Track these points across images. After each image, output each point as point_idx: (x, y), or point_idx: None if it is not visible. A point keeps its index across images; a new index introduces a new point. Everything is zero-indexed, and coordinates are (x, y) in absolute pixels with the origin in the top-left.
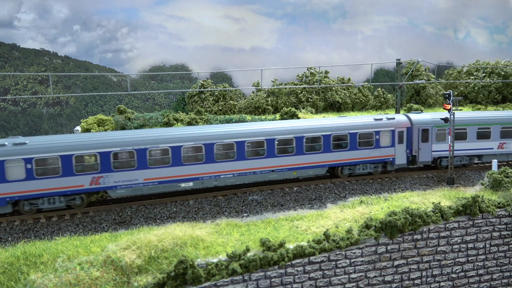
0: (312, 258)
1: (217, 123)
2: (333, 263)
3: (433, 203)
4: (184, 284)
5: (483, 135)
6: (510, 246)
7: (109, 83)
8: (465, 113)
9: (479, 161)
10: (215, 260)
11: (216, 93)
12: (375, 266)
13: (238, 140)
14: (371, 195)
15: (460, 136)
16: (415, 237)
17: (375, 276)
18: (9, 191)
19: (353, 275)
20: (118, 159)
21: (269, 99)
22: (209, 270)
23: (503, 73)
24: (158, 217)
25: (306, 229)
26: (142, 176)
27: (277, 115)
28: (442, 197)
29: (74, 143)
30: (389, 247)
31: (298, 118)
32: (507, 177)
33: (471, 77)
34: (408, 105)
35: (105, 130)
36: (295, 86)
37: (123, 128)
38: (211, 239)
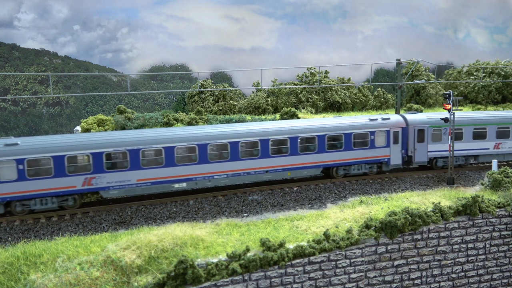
0: (312, 258)
1: (217, 123)
2: (333, 263)
3: (433, 203)
4: (184, 284)
5: (479, 135)
6: (510, 246)
7: (109, 83)
8: (461, 113)
9: (475, 162)
10: (215, 260)
11: (216, 93)
12: (375, 266)
13: (232, 141)
14: (371, 195)
15: (456, 136)
16: (415, 237)
17: (375, 276)
18: (1, 192)
19: (353, 275)
20: (111, 160)
21: (269, 99)
22: (209, 270)
23: (503, 73)
24: (158, 217)
25: (306, 229)
26: (135, 176)
27: (277, 115)
28: (442, 197)
29: (67, 143)
30: (389, 247)
31: (298, 118)
32: (507, 177)
33: (471, 77)
34: (408, 105)
35: (105, 130)
36: (295, 86)
37: (123, 128)
38: (211, 239)
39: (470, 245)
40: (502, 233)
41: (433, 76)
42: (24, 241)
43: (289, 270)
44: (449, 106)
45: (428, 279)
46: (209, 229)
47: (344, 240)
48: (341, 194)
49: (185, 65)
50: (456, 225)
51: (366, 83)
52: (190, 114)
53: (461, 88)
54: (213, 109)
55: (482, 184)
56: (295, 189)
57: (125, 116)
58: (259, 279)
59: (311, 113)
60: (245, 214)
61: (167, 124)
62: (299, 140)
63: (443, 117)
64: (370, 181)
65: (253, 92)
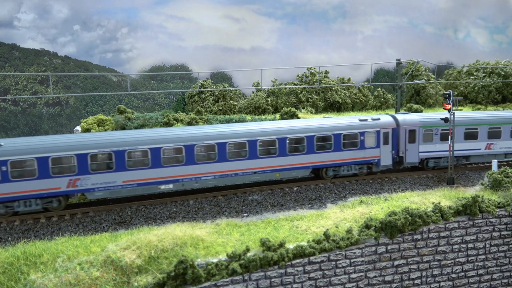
0: (312, 258)
1: (217, 123)
2: (333, 263)
3: (433, 203)
4: (184, 284)
5: (470, 135)
6: (510, 246)
7: (109, 83)
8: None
9: (467, 162)
10: (215, 260)
11: (216, 93)
12: (375, 266)
13: (219, 142)
14: (371, 195)
15: (447, 137)
16: (415, 237)
17: (375, 276)
18: None
19: (353, 275)
20: (96, 161)
21: (269, 99)
22: (209, 270)
23: (503, 73)
24: (158, 217)
25: (306, 229)
26: (121, 178)
27: (277, 115)
28: (442, 197)
29: (51, 144)
30: (389, 247)
31: (298, 118)
32: (507, 177)
33: (471, 77)
34: (408, 105)
35: (105, 130)
36: (295, 86)
37: (123, 128)
38: (211, 239)
39: (470, 245)
40: (502, 233)
41: (433, 76)
42: (24, 241)
43: (289, 270)
44: (449, 106)
45: (428, 279)
46: (209, 229)
47: (344, 240)
48: (341, 194)
49: (185, 65)
50: (456, 225)
51: (366, 83)
52: (190, 114)
53: (461, 88)
54: (213, 109)
55: (482, 184)
56: (295, 189)
57: (125, 116)
58: (259, 279)
59: (311, 113)
60: (245, 214)
61: (167, 124)
62: (287, 141)
63: (443, 117)
64: (370, 181)
65: (253, 92)
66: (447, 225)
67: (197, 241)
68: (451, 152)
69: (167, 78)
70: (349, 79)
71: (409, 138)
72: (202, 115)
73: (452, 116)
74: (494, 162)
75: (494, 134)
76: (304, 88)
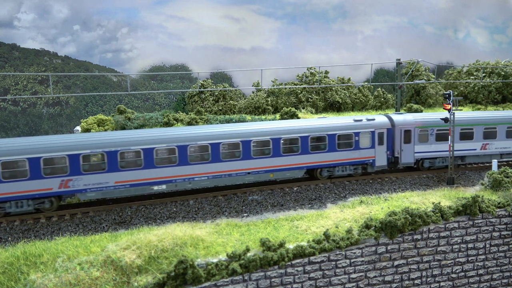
0: (312, 258)
1: (217, 123)
2: (333, 263)
3: (433, 203)
4: (184, 284)
5: (465, 136)
6: (510, 246)
7: (109, 83)
8: (448, 114)
9: (462, 163)
10: (215, 260)
11: (216, 93)
12: (375, 266)
13: (212, 142)
14: (371, 195)
15: (442, 137)
16: (415, 237)
17: (375, 276)
18: None
19: (353, 275)
20: (88, 162)
21: (269, 99)
22: (209, 270)
23: (503, 73)
24: (158, 217)
25: (306, 229)
26: (113, 179)
27: (277, 115)
28: (442, 197)
29: (42, 145)
30: (389, 247)
31: (298, 118)
32: (507, 177)
33: (471, 77)
34: (408, 105)
35: (105, 130)
36: (295, 86)
37: (123, 128)
38: (211, 239)
39: (470, 245)
40: (502, 233)
41: (433, 76)
42: (24, 241)
43: (289, 270)
44: (449, 106)
45: (428, 279)
46: (209, 229)
47: (344, 240)
48: (341, 194)
49: (185, 65)
50: (456, 225)
51: (366, 83)
52: (190, 114)
53: (461, 88)
54: (213, 109)
55: (482, 184)
56: (295, 189)
57: (125, 116)
58: (259, 279)
59: (311, 113)
60: (245, 214)
61: (167, 124)
62: (282, 142)
63: (443, 117)
64: (370, 181)
65: (253, 92)
66: (447, 225)
67: (197, 241)
68: (451, 152)
69: (167, 78)
70: (349, 79)
71: (404, 139)
72: (202, 115)
73: (452, 116)
74: (494, 162)
75: (490, 134)
76: (304, 88)
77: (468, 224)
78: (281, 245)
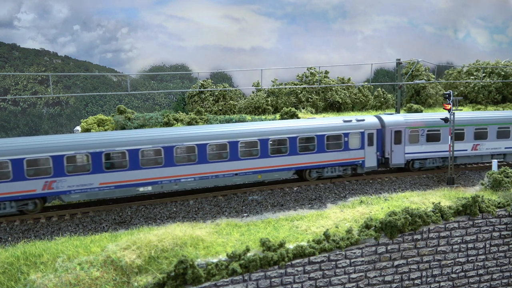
0: (312, 258)
1: (217, 123)
2: (333, 263)
3: (433, 203)
4: (184, 284)
5: (456, 136)
6: (510, 246)
7: (109, 83)
8: (438, 114)
9: (454, 163)
10: (215, 260)
11: (216, 93)
12: (375, 266)
13: (199, 143)
14: (371, 195)
15: (433, 137)
16: (415, 237)
17: (375, 276)
18: None
19: (353, 275)
20: (72, 163)
21: (269, 99)
22: (209, 270)
23: (503, 73)
24: (158, 217)
25: (306, 229)
26: (98, 180)
27: (277, 115)
28: (442, 197)
29: (26, 146)
30: (389, 247)
31: (298, 118)
32: (507, 177)
33: (471, 77)
34: (408, 105)
35: (105, 130)
36: (295, 86)
37: (123, 128)
38: (211, 239)
39: (470, 245)
40: (502, 233)
41: (433, 76)
42: (24, 241)
43: (289, 270)
44: (449, 106)
45: (428, 279)
46: (209, 229)
47: (344, 240)
48: (341, 194)
49: (185, 65)
50: (456, 225)
51: (366, 83)
52: (190, 114)
53: (461, 88)
54: (213, 109)
55: (482, 184)
56: (295, 189)
57: (125, 116)
58: (259, 279)
59: (311, 113)
60: (245, 214)
61: (167, 124)
62: (270, 142)
63: (443, 117)
64: (370, 181)
65: (253, 92)
66: (447, 225)
67: (197, 241)
68: (451, 152)
69: (167, 78)
70: (349, 79)
71: (395, 139)
72: (202, 115)
73: (452, 116)
74: (494, 162)
75: (481, 135)
76: (304, 88)
77: (468, 224)
78: (281, 245)
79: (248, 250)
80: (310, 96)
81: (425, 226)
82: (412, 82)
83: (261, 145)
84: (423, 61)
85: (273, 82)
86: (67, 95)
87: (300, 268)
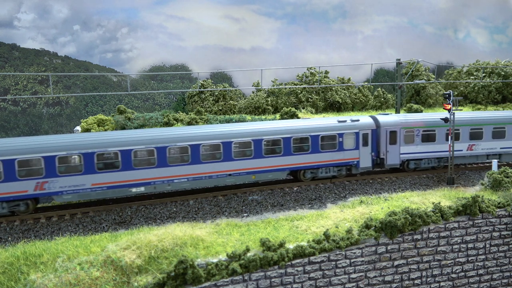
0: (312, 258)
1: (217, 123)
2: (333, 263)
3: (433, 203)
4: (184, 284)
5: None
6: (510, 246)
7: (109, 83)
8: (434, 114)
9: (448, 164)
10: (215, 260)
11: (216, 93)
12: (375, 266)
13: (192, 143)
14: (371, 195)
15: (429, 138)
16: (415, 237)
17: (375, 276)
18: None
19: (353, 275)
20: (64, 164)
21: (269, 99)
22: (209, 270)
23: (503, 73)
24: (158, 217)
25: (306, 229)
26: (90, 181)
27: (277, 115)
28: (442, 197)
29: (17, 147)
30: (389, 247)
31: (298, 118)
32: (507, 177)
33: (471, 77)
34: (408, 105)
35: (105, 130)
36: (295, 86)
37: (123, 128)
38: (211, 239)
39: (470, 245)
40: (502, 233)
41: (433, 76)
42: (24, 241)
43: (289, 270)
44: (449, 106)
45: (428, 279)
46: (209, 229)
47: (344, 240)
48: (341, 194)
49: (185, 65)
50: (456, 225)
51: (366, 83)
52: (190, 114)
53: (461, 88)
54: (213, 109)
55: (482, 184)
56: (295, 189)
57: (125, 116)
58: (259, 279)
59: (311, 113)
60: (245, 214)
61: (167, 124)
62: (263, 143)
63: (442, 117)
64: (370, 181)
65: (253, 92)
66: (447, 225)
67: (197, 241)
68: (451, 152)
69: (167, 78)
70: (349, 79)
71: (390, 140)
72: (202, 115)
73: (452, 116)
74: (494, 162)
75: (476, 135)
76: (304, 88)
77: (468, 224)
78: (281, 245)
79: (248, 250)
80: (310, 96)
81: (425, 226)
82: (412, 82)
83: (255, 146)
84: (423, 61)
85: (273, 82)
86: (67, 95)
87: (300, 268)
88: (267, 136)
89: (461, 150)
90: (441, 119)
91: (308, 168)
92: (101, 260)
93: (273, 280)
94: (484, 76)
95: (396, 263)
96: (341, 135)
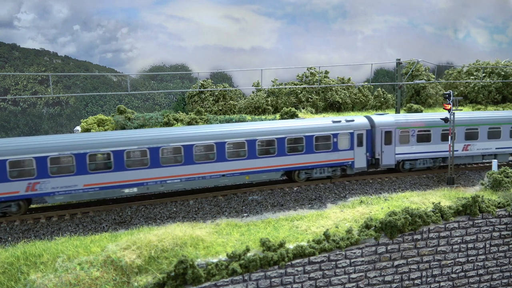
0: (312, 258)
1: (217, 123)
2: (333, 263)
3: (433, 203)
4: (184, 284)
5: (447, 137)
6: (510, 246)
7: (109, 83)
8: (429, 115)
9: (444, 164)
10: (215, 260)
11: (216, 93)
12: (375, 266)
13: (185, 144)
14: (371, 195)
15: (424, 138)
16: (415, 237)
17: (375, 276)
18: None
19: (353, 275)
20: (56, 164)
21: (269, 99)
22: (209, 270)
23: (503, 73)
24: (158, 217)
25: (306, 229)
26: (82, 182)
27: (277, 115)
28: (442, 197)
29: (9, 147)
30: (389, 247)
31: (298, 118)
32: (507, 177)
33: (471, 77)
34: (408, 105)
35: (105, 130)
36: (295, 86)
37: (123, 128)
38: (211, 239)
39: (470, 245)
40: (502, 233)
41: (433, 76)
42: (24, 241)
43: (289, 270)
44: (449, 106)
45: (428, 279)
46: (209, 229)
47: (344, 240)
48: (341, 194)
49: (185, 65)
50: (456, 225)
51: (366, 83)
52: (190, 114)
53: (461, 88)
54: (213, 109)
55: (482, 184)
56: (295, 189)
57: (125, 116)
58: (259, 279)
59: (311, 113)
60: (245, 214)
61: (167, 124)
62: (257, 143)
63: (443, 117)
64: (370, 181)
65: (253, 92)
66: (447, 225)
67: (197, 241)
68: (451, 152)
69: (167, 78)
70: (349, 79)
71: (385, 140)
72: (202, 115)
73: (452, 116)
74: (494, 162)
75: (471, 135)
76: (304, 88)
77: (468, 224)
78: (281, 245)
79: (248, 250)
80: (310, 96)
81: (425, 226)
82: (412, 82)
83: (248, 146)
84: (423, 61)
85: (273, 82)
86: (67, 95)
87: (300, 268)
88: (261, 137)
89: (457, 150)
90: (441, 119)
91: (302, 169)
92: (101, 260)
93: (273, 280)
94: (484, 76)
95: (396, 263)
96: (335, 135)
